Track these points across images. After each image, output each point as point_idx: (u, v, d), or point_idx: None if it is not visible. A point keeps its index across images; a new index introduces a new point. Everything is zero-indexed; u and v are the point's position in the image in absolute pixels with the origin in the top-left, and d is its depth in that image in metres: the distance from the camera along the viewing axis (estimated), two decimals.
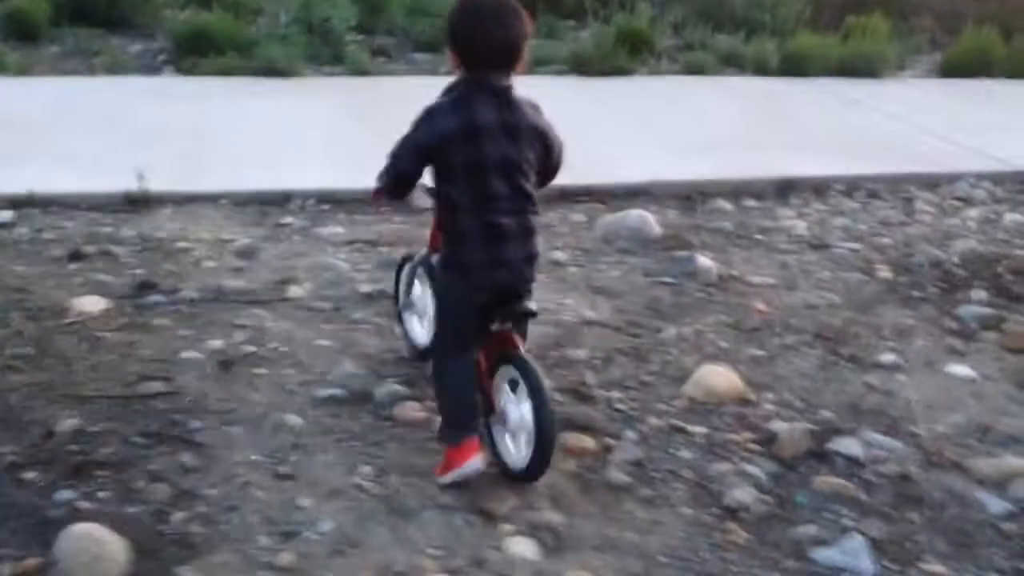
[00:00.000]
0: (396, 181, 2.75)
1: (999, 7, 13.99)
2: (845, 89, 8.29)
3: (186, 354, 3.14)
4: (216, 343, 3.24)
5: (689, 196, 5.33)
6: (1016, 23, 12.90)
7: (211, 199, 4.83)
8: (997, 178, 5.58)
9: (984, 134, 6.59)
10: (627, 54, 9.03)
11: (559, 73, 8.88)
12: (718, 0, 11.87)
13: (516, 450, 2.61)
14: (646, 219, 4.73)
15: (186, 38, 8.32)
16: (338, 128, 6.36)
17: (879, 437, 2.94)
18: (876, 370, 3.40)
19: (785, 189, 5.46)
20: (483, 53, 2.56)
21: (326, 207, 4.93)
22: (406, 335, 3.28)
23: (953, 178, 5.57)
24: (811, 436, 2.91)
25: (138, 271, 3.86)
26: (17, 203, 4.53)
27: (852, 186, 5.49)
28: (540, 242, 2.69)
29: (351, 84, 7.86)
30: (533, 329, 2.88)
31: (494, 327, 2.63)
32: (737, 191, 5.40)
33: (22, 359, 2.99)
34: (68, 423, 2.69)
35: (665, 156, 5.94)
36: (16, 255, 3.98)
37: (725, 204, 5.23)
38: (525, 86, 2.69)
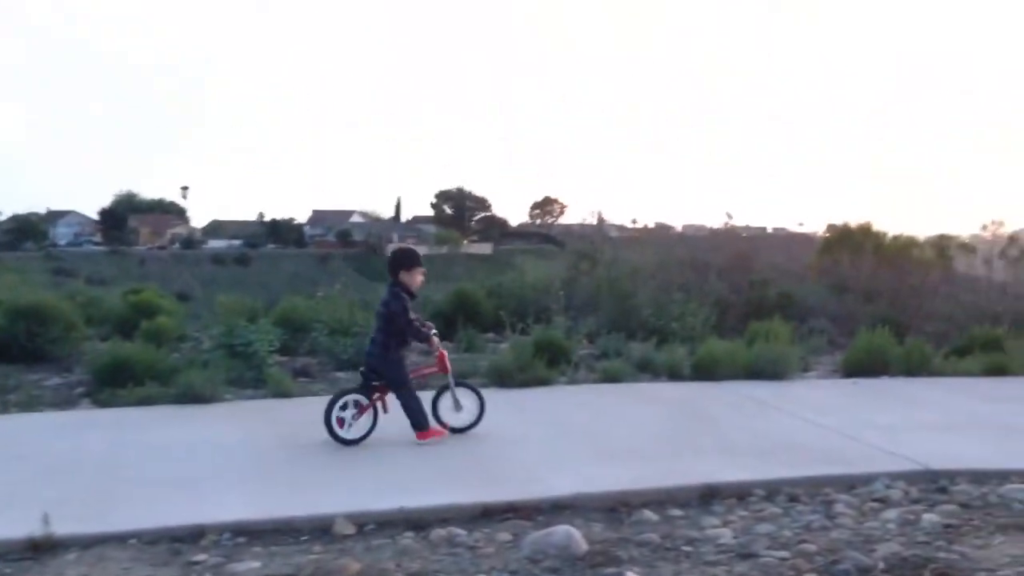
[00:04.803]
0: None
1: (888, 309, 15.11)
2: (754, 392, 8.62)
3: None
4: None
5: (615, 507, 5.31)
6: (905, 323, 13.90)
7: (119, 539, 4.62)
8: (910, 478, 5.70)
9: (891, 433, 6.84)
10: (545, 364, 9.33)
11: (480, 386, 9.05)
12: (628, 311, 12.63)
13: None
14: (572, 535, 4.66)
15: (105, 369, 8.34)
16: (257, 454, 6.28)
17: None
18: None
19: (708, 496, 5.48)
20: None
21: (242, 540, 4.75)
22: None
23: (869, 479, 5.67)
24: None
25: None
26: None
27: (773, 490, 5.54)
28: (376, 350, 6.61)
29: (272, 407, 7.88)
30: None
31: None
32: (662, 500, 5.40)
33: None
34: None
35: (589, 466, 5.97)
36: None
37: (651, 515, 5.20)
38: None
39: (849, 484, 5.64)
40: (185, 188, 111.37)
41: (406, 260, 6.65)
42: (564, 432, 7.01)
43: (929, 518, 5.02)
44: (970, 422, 7.35)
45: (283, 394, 8.31)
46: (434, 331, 6.74)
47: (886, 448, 6.38)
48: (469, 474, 5.83)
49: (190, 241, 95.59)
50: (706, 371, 9.44)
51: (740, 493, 5.53)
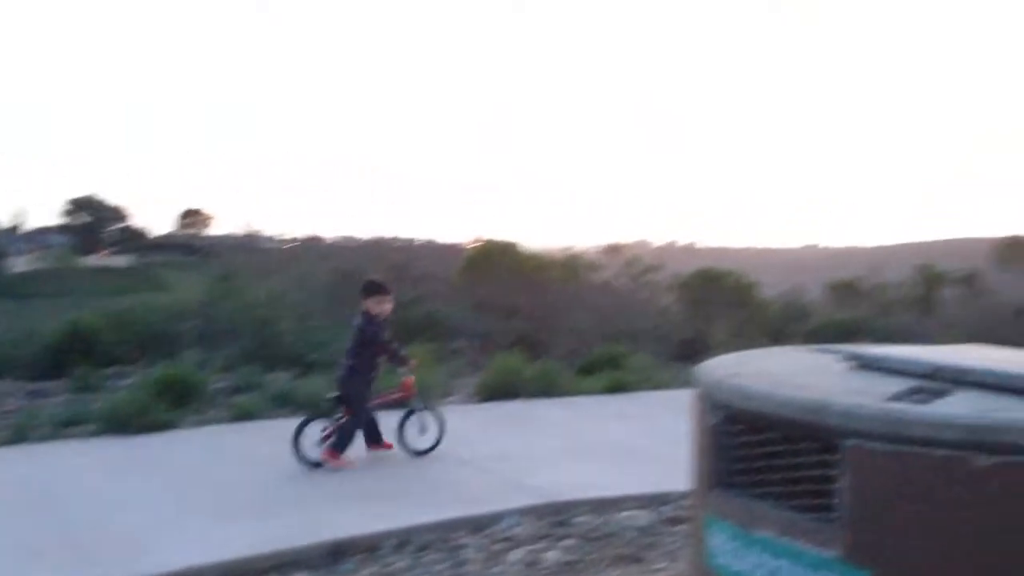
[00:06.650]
0: None
1: (526, 327, 15.83)
2: (394, 421, 8.45)
3: None
4: None
5: None
6: (541, 341, 14.60)
7: None
8: (537, 512, 5.77)
9: (521, 463, 6.98)
10: (171, 404, 8.57)
11: (94, 434, 8.09)
12: (269, 339, 12.03)
13: None
14: None
15: None
16: None
17: None
18: None
19: (338, 553, 5.16)
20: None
21: None
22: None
23: (497, 517, 5.65)
24: None
25: None
26: None
27: (403, 540, 5.33)
28: (345, 374, 7.00)
29: None
30: None
31: None
32: (288, 562, 5.00)
33: None
34: None
35: (208, 528, 5.42)
36: None
37: None
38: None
39: (479, 525, 5.58)
40: None
41: (374, 289, 7.11)
42: (183, 487, 6.36)
43: (552, 556, 5.09)
44: (594, 446, 7.71)
45: None
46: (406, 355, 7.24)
47: (515, 480, 6.46)
48: (54, 551, 5.03)
49: None
50: None
51: (371, 545, 5.27)
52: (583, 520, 5.73)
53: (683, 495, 5.92)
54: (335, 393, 7.11)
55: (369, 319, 7.01)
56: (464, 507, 5.83)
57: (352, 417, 6.94)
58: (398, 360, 7.12)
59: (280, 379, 10.54)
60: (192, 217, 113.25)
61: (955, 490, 2.18)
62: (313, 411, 7.37)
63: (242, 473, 6.75)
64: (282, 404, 9.38)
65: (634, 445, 7.72)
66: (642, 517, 5.75)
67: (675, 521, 5.70)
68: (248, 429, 8.36)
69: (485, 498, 6.04)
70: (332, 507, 5.87)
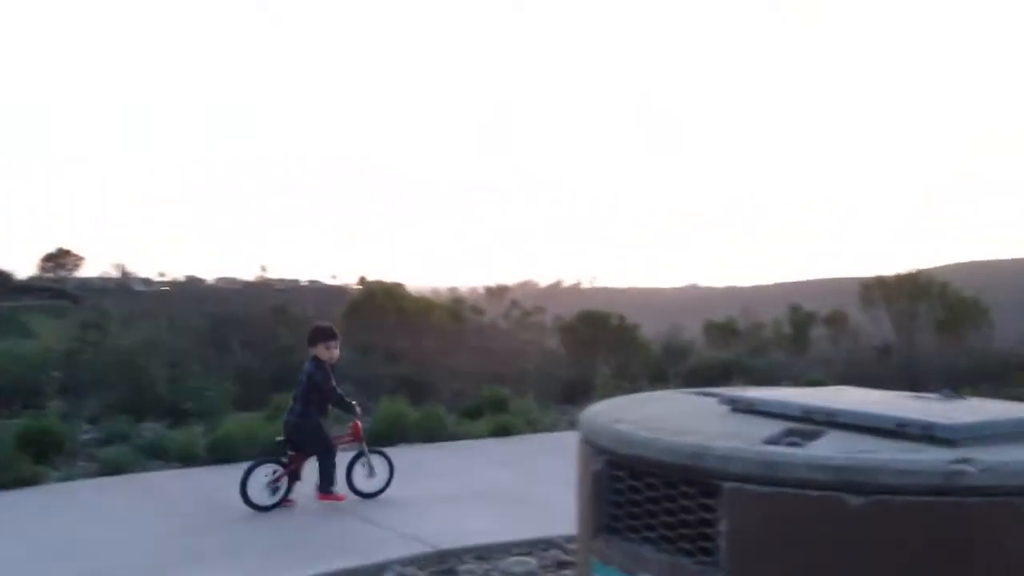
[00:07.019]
0: None
1: (411, 371, 15.66)
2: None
3: None
4: None
5: None
6: (426, 385, 14.47)
7: None
8: (421, 561, 5.64)
9: (407, 510, 6.85)
10: (34, 458, 8.10)
11: None
12: (140, 387, 11.52)
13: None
14: None
15: None
16: None
17: None
18: None
19: None
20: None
21: None
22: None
23: (381, 568, 5.50)
24: None
25: None
26: None
27: None
28: (295, 419, 7.03)
29: None
30: None
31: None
32: None
33: None
34: None
35: None
36: None
37: None
38: None
39: None
40: None
41: (321, 336, 7.17)
42: (45, 547, 5.98)
43: None
44: (480, 492, 7.63)
45: None
46: (354, 402, 7.30)
47: (399, 529, 6.33)
48: None
49: None
50: (225, 452, 8.83)
51: None
52: (469, 568, 5.64)
53: (569, 540, 5.92)
54: (281, 437, 7.14)
55: (318, 364, 7.11)
56: (346, 559, 5.66)
57: (324, 452, 7.07)
58: (344, 407, 7.20)
59: (152, 429, 10.10)
60: (59, 259, 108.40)
61: (830, 530, 2.23)
62: (262, 455, 7.27)
63: (109, 531, 6.39)
64: (154, 455, 8.99)
65: (520, 490, 7.68)
66: (528, 563, 5.70)
67: (562, 566, 5.68)
68: (117, 483, 7.96)
69: (368, 549, 5.88)
70: (206, 565, 5.61)
